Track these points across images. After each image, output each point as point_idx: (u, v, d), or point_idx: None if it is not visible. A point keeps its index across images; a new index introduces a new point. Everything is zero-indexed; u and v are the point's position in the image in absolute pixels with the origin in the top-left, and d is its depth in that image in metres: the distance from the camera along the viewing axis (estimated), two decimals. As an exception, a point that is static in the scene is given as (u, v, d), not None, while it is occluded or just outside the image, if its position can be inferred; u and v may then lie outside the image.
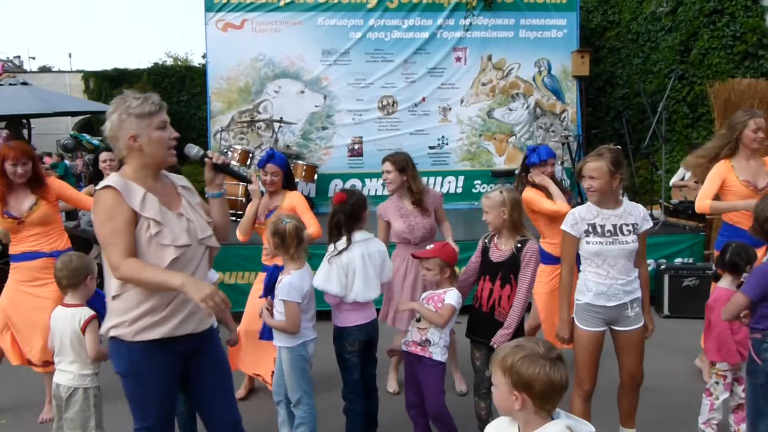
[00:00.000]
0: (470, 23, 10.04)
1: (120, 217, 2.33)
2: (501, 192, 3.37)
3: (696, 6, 9.15)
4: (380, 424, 3.64)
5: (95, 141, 8.19)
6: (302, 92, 9.96)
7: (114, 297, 2.41)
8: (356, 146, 10.06)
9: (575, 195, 9.06)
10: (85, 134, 9.72)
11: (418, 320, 3.35)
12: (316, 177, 9.06)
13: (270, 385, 3.81)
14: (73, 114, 13.89)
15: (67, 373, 3.06)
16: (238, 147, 8.69)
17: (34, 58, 51.59)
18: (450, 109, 10.16)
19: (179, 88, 15.86)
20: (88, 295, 3.20)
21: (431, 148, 10.05)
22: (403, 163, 4.13)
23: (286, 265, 3.33)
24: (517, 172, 5.34)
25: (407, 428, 3.57)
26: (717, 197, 4.16)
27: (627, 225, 3.12)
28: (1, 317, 4.02)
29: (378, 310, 3.56)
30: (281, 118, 9.51)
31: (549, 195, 4.19)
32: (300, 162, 9.00)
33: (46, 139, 16.91)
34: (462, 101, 10.18)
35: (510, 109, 10.27)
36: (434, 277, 3.37)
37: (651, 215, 4.96)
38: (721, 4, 8.78)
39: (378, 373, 3.62)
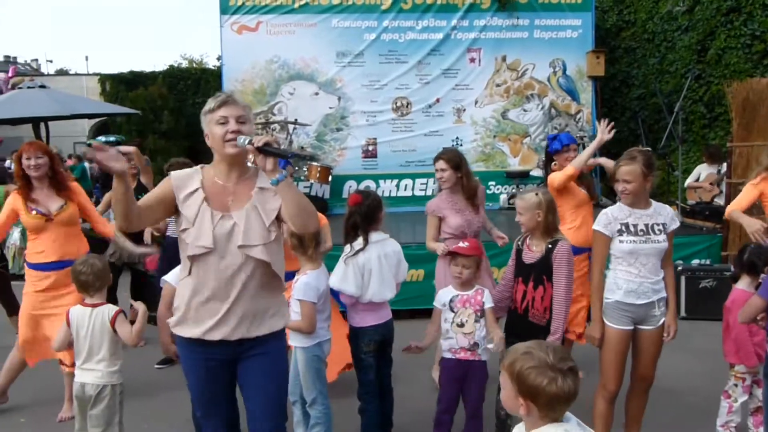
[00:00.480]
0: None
1: (154, 194, 2.46)
2: (537, 194, 3.33)
3: (713, 5, 9.06)
4: (395, 425, 3.64)
5: (112, 138, 8.26)
6: (316, 94, 9.99)
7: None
8: (370, 147, 10.07)
9: (599, 195, 9.03)
10: (100, 137, 9.85)
11: (462, 326, 3.32)
12: (330, 178, 9.09)
13: None
14: (90, 116, 14.02)
15: (95, 371, 3.09)
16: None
17: (51, 62, 52.34)
18: (464, 110, 10.15)
19: (194, 91, 15.96)
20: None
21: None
22: (457, 160, 4.14)
23: (303, 265, 3.35)
24: (540, 165, 5.47)
25: (423, 428, 3.56)
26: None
27: (658, 224, 3.15)
28: (25, 320, 4.02)
29: (393, 311, 3.56)
30: (296, 119, 9.56)
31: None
32: (314, 163, 9.03)
33: (63, 141, 17.07)
34: (476, 102, 10.17)
35: (524, 110, 10.23)
36: (471, 275, 3.36)
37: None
38: (738, 2, 8.68)
39: (393, 373, 3.62)
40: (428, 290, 4.45)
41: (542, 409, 1.68)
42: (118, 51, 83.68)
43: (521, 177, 9.74)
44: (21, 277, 4.28)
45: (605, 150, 10.69)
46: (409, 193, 9.90)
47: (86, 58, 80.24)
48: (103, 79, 16.72)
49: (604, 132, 4.36)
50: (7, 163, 8.03)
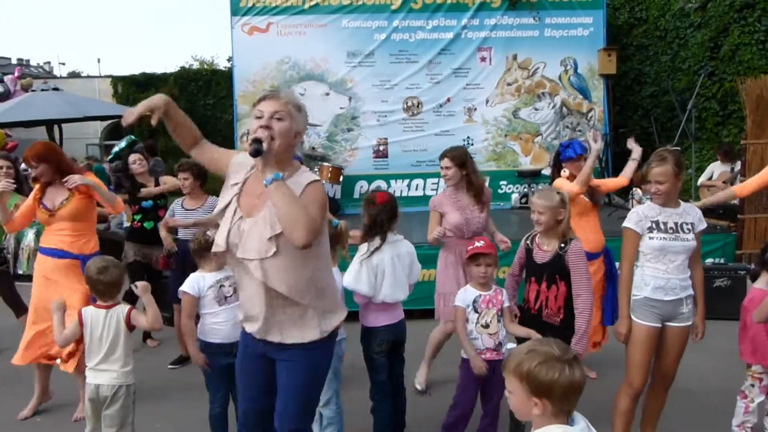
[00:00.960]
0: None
1: (220, 151, 2.59)
2: (558, 192, 3.30)
3: (726, 1, 8.99)
4: (407, 424, 3.63)
5: (123, 143, 8.32)
6: (327, 94, 10.01)
7: None
8: (381, 147, 10.07)
9: (611, 195, 8.99)
10: (114, 148, 10.02)
11: (486, 326, 3.31)
12: (341, 178, 9.10)
13: None
14: (102, 118, 14.13)
15: (110, 372, 3.09)
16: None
17: (64, 64, 52.69)
18: (475, 109, 10.12)
19: (205, 92, 16.07)
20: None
21: (456, 148, 10.01)
22: (462, 157, 4.15)
23: None
24: (548, 170, 5.43)
25: (434, 428, 3.56)
26: None
27: (687, 224, 3.17)
28: (32, 311, 4.08)
29: (405, 311, 3.56)
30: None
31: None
32: (325, 164, 9.04)
33: (76, 143, 17.22)
34: (487, 101, 10.14)
35: (536, 109, 10.19)
36: (493, 273, 3.36)
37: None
38: (752, -2, 8.62)
39: (405, 373, 3.62)
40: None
41: (556, 404, 1.67)
42: (130, 53, 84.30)
43: (533, 176, 9.71)
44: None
45: (619, 149, 10.65)
46: (420, 193, 9.88)
47: (98, 61, 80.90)
48: (115, 81, 16.90)
49: (595, 142, 4.36)
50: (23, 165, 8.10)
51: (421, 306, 5.56)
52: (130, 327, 3.13)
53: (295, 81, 9.98)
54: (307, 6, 9.89)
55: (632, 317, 3.22)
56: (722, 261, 6.34)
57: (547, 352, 1.70)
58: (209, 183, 5.02)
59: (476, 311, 3.32)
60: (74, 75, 32.27)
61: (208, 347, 3.33)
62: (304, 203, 2.23)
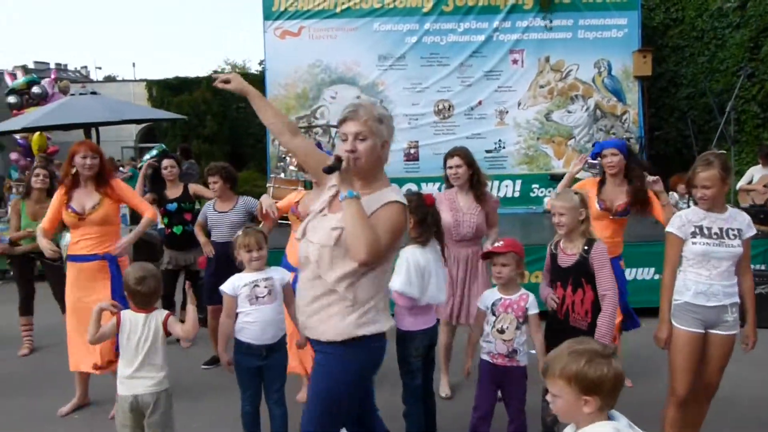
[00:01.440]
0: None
1: (318, 152, 2.76)
2: (576, 193, 3.29)
3: (767, 0, 8.78)
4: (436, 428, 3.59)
5: (154, 151, 8.49)
6: (358, 97, 10.03)
7: None
8: (412, 150, 10.06)
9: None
10: (145, 156, 10.30)
11: (502, 332, 3.26)
12: None
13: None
14: (138, 122, 14.37)
15: (148, 379, 3.02)
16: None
17: (100, 68, 54.08)
18: (507, 112, 10.06)
19: (238, 96, 16.17)
20: None
21: (488, 151, 9.97)
22: (471, 156, 4.18)
23: None
24: (586, 168, 5.38)
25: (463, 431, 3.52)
26: None
27: (732, 230, 3.09)
28: (70, 315, 4.15)
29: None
30: (338, 123, 9.59)
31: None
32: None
33: (112, 146, 17.55)
34: (519, 104, 10.06)
35: (569, 112, 10.08)
36: (512, 273, 3.28)
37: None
38: (794, -2, 8.41)
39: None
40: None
41: (605, 399, 1.71)
42: (164, 57, 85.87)
43: (565, 179, 9.58)
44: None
45: (654, 152, 10.46)
46: (450, 196, 9.83)
47: (133, 65, 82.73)
48: (150, 84, 17.16)
49: (575, 166, 4.45)
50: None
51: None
52: (166, 333, 3.11)
53: (327, 84, 10.03)
54: (338, 10, 9.94)
55: (673, 322, 3.16)
56: (763, 267, 6.17)
57: (589, 350, 1.73)
58: (254, 189, 5.07)
59: (494, 314, 3.29)
60: (110, 79, 32.97)
61: (239, 346, 3.36)
62: (373, 223, 2.30)
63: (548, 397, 1.79)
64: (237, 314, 3.36)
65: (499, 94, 10.06)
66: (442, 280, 3.38)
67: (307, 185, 8.31)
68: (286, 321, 3.46)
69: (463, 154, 4.18)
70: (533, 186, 9.91)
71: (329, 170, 2.30)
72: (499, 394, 3.41)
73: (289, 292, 3.43)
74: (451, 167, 4.19)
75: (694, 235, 3.10)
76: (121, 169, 11.32)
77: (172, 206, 5.48)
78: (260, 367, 3.34)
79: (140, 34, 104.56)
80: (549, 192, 9.86)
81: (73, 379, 4.37)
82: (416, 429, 3.41)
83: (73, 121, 8.81)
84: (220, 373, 4.84)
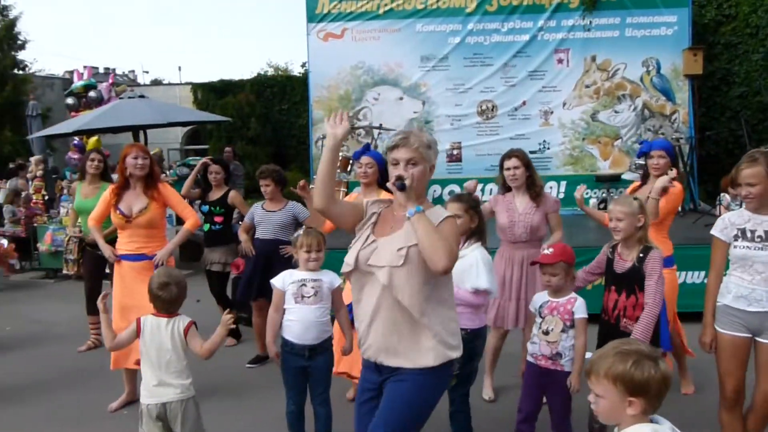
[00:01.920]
0: (588, 23, 9.73)
1: (350, 204, 2.72)
2: (635, 198, 3.27)
3: (826, -5, 8.44)
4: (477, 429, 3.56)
5: (192, 163, 8.73)
6: (401, 99, 10.03)
7: None
8: (455, 152, 9.99)
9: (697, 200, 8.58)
10: (184, 169, 10.55)
11: (547, 333, 3.22)
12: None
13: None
14: (183, 124, 14.65)
15: (174, 387, 2.97)
16: (339, 154, 8.82)
17: (147, 72, 55.32)
18: (552, 112, 9.90)
19: (280, 97, 16.39)
20: None
21: (532, 152, 9.75)
22: (527, 157, 4.22)
23: None
24: (633, 168, 5.25)
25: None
26: None
27: None
28: (116, 314, 4.11)
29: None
30: (381, 124, 9.62)
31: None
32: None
33: (157, 148, 17.97)
34: (564, 104, 9.89)
35: (616, 111, 9.86)
36: (560, 282, 3.25)
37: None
38: None
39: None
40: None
41: (650, 401, 1.69)
42: (209, 61, 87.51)
43: (612, 181, 9.38)
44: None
45: (705, 152, 10.17)
46: (493, 198, 9.74)
47: (179, 69, 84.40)
48: (195, 87, 17.47)
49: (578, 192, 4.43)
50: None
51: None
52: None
53: (369, 86, 10.05)
54: (381, 11, 9.94)
55: (715, 326, 3.11)
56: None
57: (636, 351, 1.71)
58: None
59: (540, 316, 3.28)
60: (156, 82, 33.71)
61: (285, 344, 3.40)
62: (444, 233, 2.40)
63: (590, 398, 1.76)
64: (284, 310, 3.40)
65: (544, 94, 9.90)
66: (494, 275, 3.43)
67: (351, 186, 8.35)
68: (333, 326, 3.50)
69: (521, 155, 4.20)
70: (578, 187, 9.70)
71: (402, 188, 2.40)
72: (544, 399, 3.37)
73: (338, 297, 3.45)
74: (508, 168, 4.18)
75: (736, 238, 3.02)
76: (167, 172, 11.54)
77: (204, 208, 5.74)
78: (305, 367, 3.37)
79: (185, 38, 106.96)
80: (595, 194, 9.67)
81: (116, 375, 4.47)
82: (463, 429, 3.40)
83: (122, 124, 9.05)
84: (265, 372, 4.90)
